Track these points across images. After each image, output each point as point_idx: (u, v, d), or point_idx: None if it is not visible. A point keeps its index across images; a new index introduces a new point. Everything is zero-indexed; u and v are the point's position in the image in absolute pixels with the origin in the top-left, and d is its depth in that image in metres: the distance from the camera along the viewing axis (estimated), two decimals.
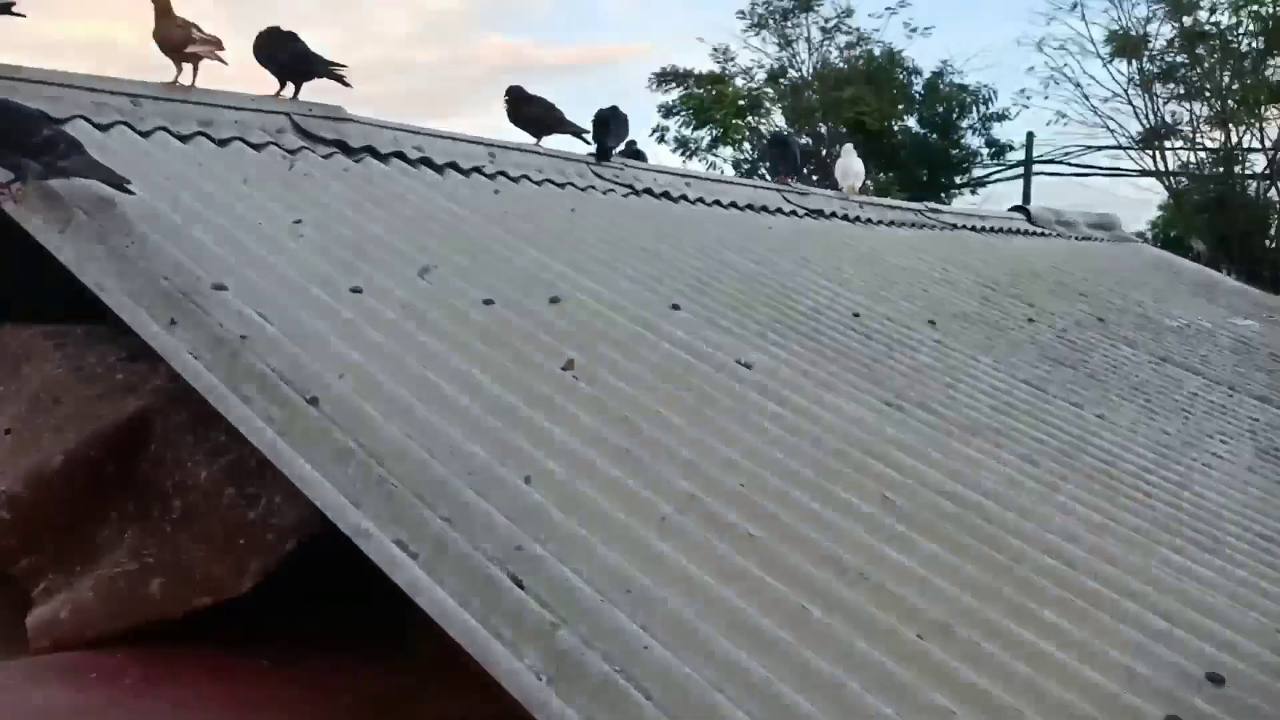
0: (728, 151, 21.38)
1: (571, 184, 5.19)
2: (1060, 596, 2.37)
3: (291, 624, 2.69)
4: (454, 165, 4.61)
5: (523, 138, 5.36)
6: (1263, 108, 18.65)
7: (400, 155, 4.42)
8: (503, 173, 4.86)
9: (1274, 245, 18.96)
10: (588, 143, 5.61)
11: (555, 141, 5.50)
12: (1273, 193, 19.11)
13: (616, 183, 5.48)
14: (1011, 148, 21.40)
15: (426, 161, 4.51)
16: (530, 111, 5.42)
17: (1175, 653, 2.29)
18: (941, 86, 20.87)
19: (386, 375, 2.44)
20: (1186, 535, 3.03)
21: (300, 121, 4.18)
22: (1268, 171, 19.12)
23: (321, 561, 2.42)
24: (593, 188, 5.31)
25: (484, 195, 4.48)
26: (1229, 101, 18.90)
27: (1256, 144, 19.21)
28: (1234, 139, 19.30)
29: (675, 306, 3.69)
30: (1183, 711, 2.07)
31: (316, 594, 2.72)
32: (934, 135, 20.91)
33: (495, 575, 1.88)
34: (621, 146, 5.99)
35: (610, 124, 5.64)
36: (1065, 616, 2.29)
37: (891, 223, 7.30)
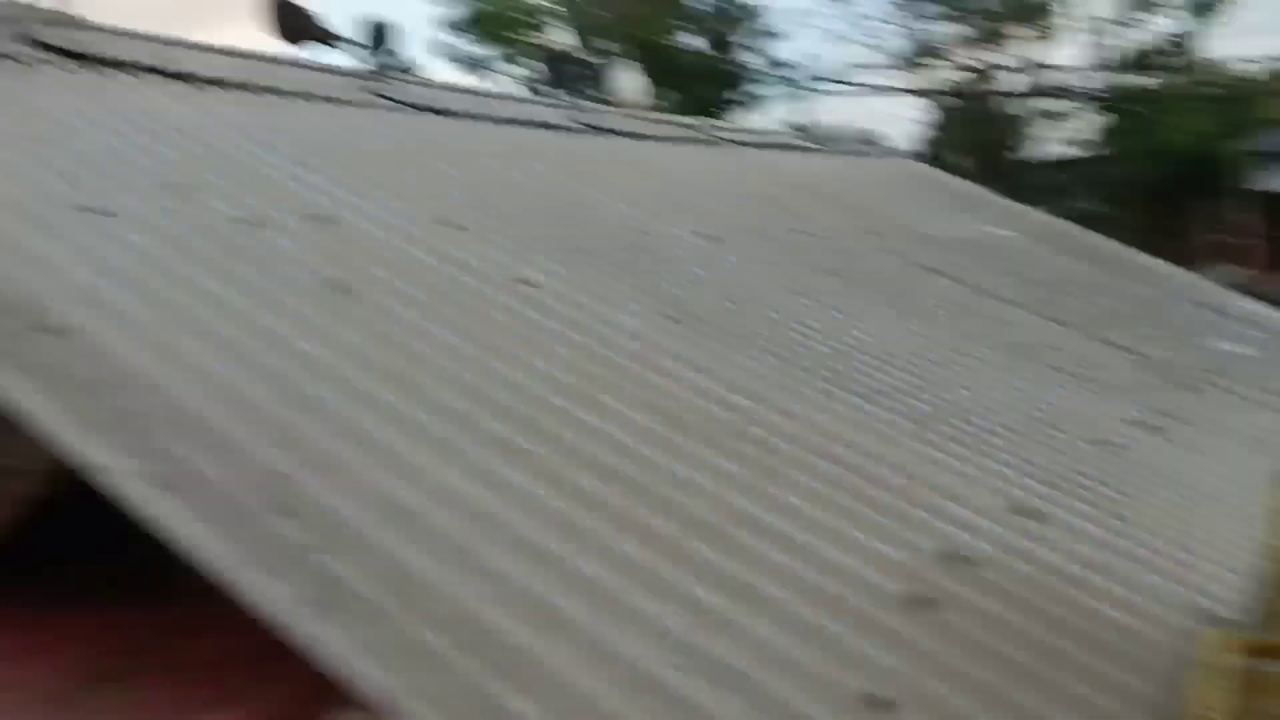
0: (516, 69, 21.01)
1: (343, 100, 4.96)
2: (819, 491, 2.50)
3: (57, 573, 2.55)
4: (215, 80, 4.32)
5: (289, 51, 5.10)
6: (1014, 28, 19.89)
7: (155, 69, 4.10)
8: (269, 88, 4.59)
9: (1028, 160, 20.33)
10: (350, 53, 5.38)
11: (326, 56, 5.26)
12: (1021, 109, 20.47)
13: (391, 99, 5.28)
14: (791, 66, 21.94)
15: (183, 76, 4.21)
16: (293, 22, 5.15)
17: (924, 536, 2.46)
18: (722, 4, 21.09)
19: (133, 301, 2.29)
20: (940, 430, 3.24)
21: (31, 29, 3.81)
22: (1020, 90, 20.44)
23: (92, 506, 2.28)
24: (367, 104, 5.10)
25: (248, 112, 4.23)
26: (986, 22, 20.02)
27: (1010, 63, 20.48)
28: (990, 59, 20.50)
29: (455, 225, 3.62)
30: (929, 589, 2.23)
31: (84, 539, 2.58)
32: (716, 53, 21.15)
33: (253, 505, 1.82)
34: (395, 61, 5.77)
35: (382, 36, 5.43)
36: (822, 509, 2.42)
37: (673, 139, 7.37)
